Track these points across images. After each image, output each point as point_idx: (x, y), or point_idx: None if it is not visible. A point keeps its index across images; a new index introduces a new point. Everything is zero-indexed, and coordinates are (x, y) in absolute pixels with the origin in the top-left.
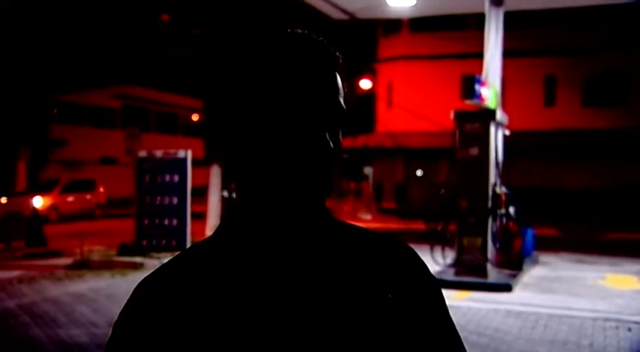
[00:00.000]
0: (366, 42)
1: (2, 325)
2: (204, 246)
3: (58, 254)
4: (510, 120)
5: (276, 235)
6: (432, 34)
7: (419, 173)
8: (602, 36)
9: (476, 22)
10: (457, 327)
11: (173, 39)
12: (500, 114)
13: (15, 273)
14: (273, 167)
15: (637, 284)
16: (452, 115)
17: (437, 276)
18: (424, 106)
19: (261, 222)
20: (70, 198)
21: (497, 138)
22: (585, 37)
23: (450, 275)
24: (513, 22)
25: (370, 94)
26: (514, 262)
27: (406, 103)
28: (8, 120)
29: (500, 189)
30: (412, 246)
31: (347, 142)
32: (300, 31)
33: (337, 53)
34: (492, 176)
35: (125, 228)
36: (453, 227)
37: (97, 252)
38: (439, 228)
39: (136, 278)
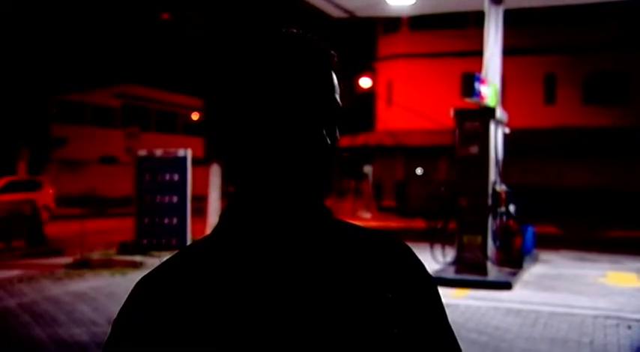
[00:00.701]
0: (366, 40)
1: (3, 324)
2: (202, 245)
3: (58, 253)
4: (510, 118)
5: (274, 233)
6: (432, 32)
7: (419, 171)
8: (602, 34)
9: (475, 20)
10: (456, 325)
11: (173, 38)
12: (500, 113)
13: (15, 272)
14: (271, 165)
15: (637, 282)
16: (452, 113)
17: (437, 274)
18: (424, 104)
19: (260, 221)
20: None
21: (497, 136)
22: (585, 35)
23: (450, 274)
24: (513, 20)
25: (370, 93)
26: (514, 260)
27: (406, 102)
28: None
29: (500, 187)
30: (412, 244)
31: (347, 141)
32: (295, 30)
33: (332, 51)
34: (492, 174)
35: (125, 226)
36: (453, 225)
37: (97, 251)
38: (439, 226)
39: (136, 276)
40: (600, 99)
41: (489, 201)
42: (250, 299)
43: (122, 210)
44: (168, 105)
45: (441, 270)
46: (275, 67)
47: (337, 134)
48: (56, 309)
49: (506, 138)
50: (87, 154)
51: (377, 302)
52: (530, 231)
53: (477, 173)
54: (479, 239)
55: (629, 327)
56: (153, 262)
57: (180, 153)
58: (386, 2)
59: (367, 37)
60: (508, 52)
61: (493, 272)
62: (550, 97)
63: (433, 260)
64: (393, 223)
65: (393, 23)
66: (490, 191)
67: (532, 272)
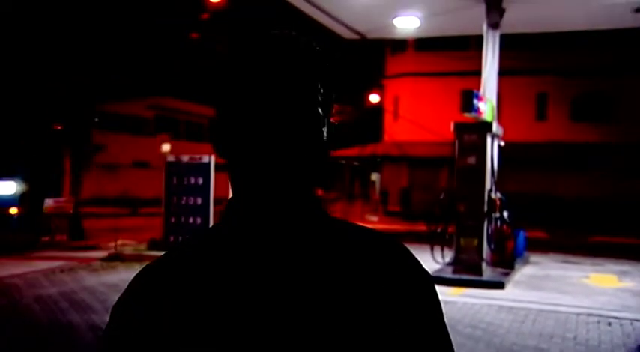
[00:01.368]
0: (375, 60)
1: (45, 309)
2: (200, 239)
3: (95, 247)
4: (505, 132)
5: (265, 230)
6: (435, 53)
7: (422, 180)
8: (590, 59)
9: (475, 43)
10: (453, 321)
11: (201, 55)
12: (496, 127)
13: (57, 263)
14: (260, 162)
15: (617, 283)
16: (452, 127)
17: (436, 274)
18: (427, 118)
19: (254, 216)
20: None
21: (493, 148)
22: (574, 59)
23: (448, 273)
24: (509, 44)
25: (378, 107)
26: (507, 262)
27: (411, 116)
28: (56, 127)
29: (495, 195)
30: (414, 245)
31: (356, 151)
32: (284, 31)
33: (317, 48)
34: (488, 183)
35: (154, 225)
36: (451, 229)
37: (129, 246)
38: (439, 229)
39: None
40: (587, 117)
41: (485, 208)
42: (244, 295)
43: (152, 209)
44: (196, 116)
45: (440, 270)
46: (260, 65)
47: (330, 130)
48: (92, 298)
49: (502, 150)
50: (122, 159)
51: (373, 301)
52: (522, 235)
53: (474, 181)
54: (475, 242)
55: (609, 324)
56: None
57: (205, 159)
58: (394, 25)
59: (376, 57)
60: (504, 72)
61: (487, 273)
62: (541, 114)
63: (433, 260)
64: (397, 226)
65: (400, 45)
66: (486, 198)
67: (523, 272)
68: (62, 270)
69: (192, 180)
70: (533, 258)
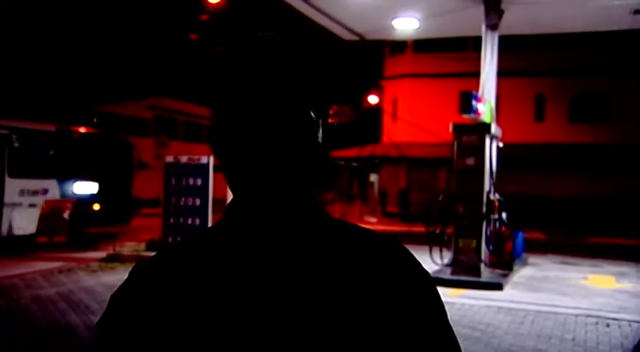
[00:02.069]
0: (374, 61)
1: (43, 310)
2: (200, 237)
3: (93, 248)
4: (504, 133)
5: (264, 229)
6: (434, 54)
7: (420, 181)
8: (587, 60)
9: (473, 45)
10: (451, 322)
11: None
12: (494, 128)
13: (56, 264)
14: (252, 165)
15: (616, 284)
16: (451, 128)
17: (435, 275)
18: (426, 120)
19: (248, 216)
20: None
21: (491, 149)
22: (572, 60)
23: (446, 274)
24: (507, 45)
25: (377, 108)
26: (505, 263)
27: (409, 117)
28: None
29: (494, 196)
30: (413, 247)
31: (355, 151)
32: (277, 33)
33: (312, 49)
34: (487, 184)
35: (153, 225)
36: (450, 230)
37: (127, 247)
38: (438, 230)
39: None
40: (584, 118)
41: (484, 209)
42: (242, 290)
43: (151, 210)
44: (195, 116)
45: (439, 271)
46: (251, 68)
47: (328, 131)
48: (90, 298)
49: (500, 151)
50: None
51: (373, 301)
52: (520, 236)
53: (472, 183)
54: (473, 243)
55: (608, 325)
56: None
57: (204, 159)
58: (393, 27)
59: (375, 58)
60: (502, 73)
61: (486, 274)
62: (540, 115)
63: (432, 261)
64: (396, 227)
65: (399, 46)
66: (484, 199)
67: (521, 274)
68: (60, 271)
69: (191, 181)
70: (532, 259)
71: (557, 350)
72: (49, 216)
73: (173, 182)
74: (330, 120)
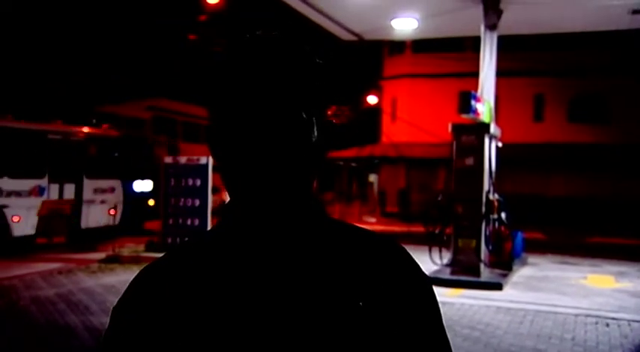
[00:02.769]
0: (373, 61)
1: (43, 311)
2: (199, 241)
3: (93, 249)
4: (503, 133)
5: (262, 231)
6: (433, 54)
7: (419, 181)
8: (586, 60)
9: (472, 45)
10: (451, 322)
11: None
12: (493, 128)
13: (55, 265)
14: (245, 165)
15: (615, 284)
16: (450, 128)
17: (434, 275)
18: (425, 120)
19: (245, 218)
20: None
21: (490, 149)
22: (571, 60)
23: (446, 274)
24: (506, 45)
25: (376, 108)
26: (505, 263)
27: (408, 117)
28: None
29: (493, 196)
30: (412, 247)
31: (354, 152)
32: (272, 33)
33: (307, 49)
34: (486, 184)
35: (152, 226)
36: (449, 230)
37: (127, 248)
38: (437, 230)
39: None
40: (583, 118)
41: (483, 209)
42: (243, 296)
43: None
44: (194, 117)
45: (438, 271)
46: (244, 69)
47: (326, 131)
48: (89, 299)
49: (499, 151)
50: None
51: (370, 302)
52: (520, 236)
53: (472, 182)
54: (473, 243)
55: (607, 325)
56: None
57: (203, 160)
58: (391, 27)
59: (374, 58)
60: (501, 73)
61: (485, 274)
62: (539, 115)
63: (431, 261)
64: (395, 227)
65: (397, 46)
66: (484, 199)
67: (521, 274)
68: (60, 272)
69: (190, 182)
70: (531, 259)
71: (556, 350)
72: (47, 217)
73: (172, 183)
74: (327, 120)
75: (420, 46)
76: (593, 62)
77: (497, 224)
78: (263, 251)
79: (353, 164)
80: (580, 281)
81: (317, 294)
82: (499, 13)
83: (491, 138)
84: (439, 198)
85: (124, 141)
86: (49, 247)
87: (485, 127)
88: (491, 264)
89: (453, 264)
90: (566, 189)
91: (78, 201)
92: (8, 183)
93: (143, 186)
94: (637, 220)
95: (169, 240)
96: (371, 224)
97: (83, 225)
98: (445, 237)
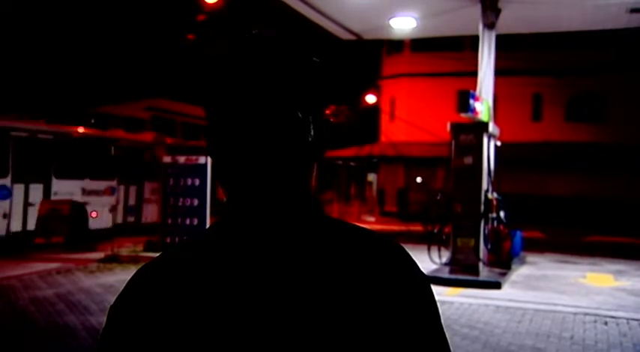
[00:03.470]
0: (372, 61)
1: (41, 311)
2: (197, 240)
3: (92, 249)
4: (501, 132)
5: (260, 231)
6: (431, 54)
7: (419, 180)
8: (583, 60)
9: (471, 44)
10: (450, 321)
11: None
12: (492, 127)
13: (54, 265)
14: (248, 161)
15: (614, 283)
16: (448, 127)
17: (433, 274)
18: (423, 119)
19: (243, 217)
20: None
21: (489, 148)
22: (569, 60)
23: (445, 273)
24: (505, 44)
25: (375, 108)
26: (503, 262)
27: (407, 116)
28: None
29: (492, 195)
30: (411, 246)
31: (353, 151)
32: (268, 32)
33: (304, 48)
34: (485, 183)
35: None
36: (448, 229)
37: (125, 248)
38: (436, 230)
39: None
40: (581, 117)
41: (482, 208)
42: (241, 295)
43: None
44: (192, 117)
45: (437, 270)
46: (239, 69)
47: (324, 130)
48: (88, 299)
49: (498, 150)
50: None
51: (369, 301)
52: (519, 235)
53: (470, 182)
54: (472, 242)
55: (606, 323)
56: None
57: (201, 160)
58: (390, 26)
59: (373, 57)
60: (500, 72)
61: (484, 273)
62: (537, 114)
63: (430, 261)
64: (394, 226)
65: (396, 45)
66: (482, 198)
67: (519, 272)
68: (59, 272)
69: (189, 182)
70: (530, 257)
71: (555, 349)
72: (47, 217)
73: (171, 182)
74: (325, 120)
75: (419, 45)
76: (592, 61)
77: (496, 223)
78: (261, 249)
79: (352, 163)
80: (579, 279)
81: (315, 293)
82: (497, 12)
83: (489, 137)
84: (438, 198)
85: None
86: (47, 247)
87: (483, 126)
88: (490, 263)
89: (451, 263)
90: (565, 188)
91: (139, 200)
92: (89, 184)
93: None
94: (635, 219)
95: (168, 240)
96: (370, 223)
97: (143, 220)
98: (444, 236)
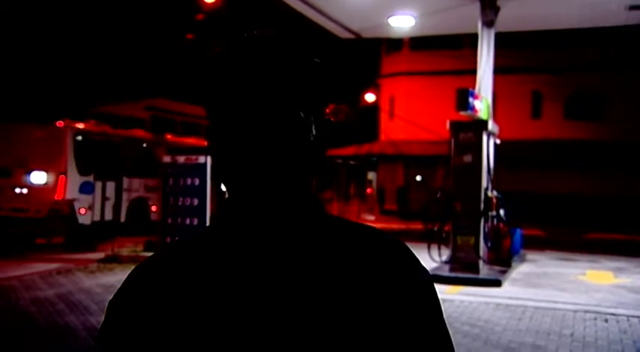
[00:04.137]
0: (371, 59)
1: (42, 311)
2: (197, 237)
3: (92, 249)
4: (500, 130)
5: (260, 228)
6: (430, 52)
7: (418, 178)
8: (583, 57)
9: (470, 42)
10: (450, 319)
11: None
12: (491, 125)
13: (54, 266)
14: (244, 160)
15: (614, 280)
16: (448, 125)
17: (433, 272)
18: (423, 117)
19: (243, 215)
20: None
21: (488, 146)
22: (568, 57)
23: (445, 272)
24: (504, 42)
25: (374, 106)
26: (503, 259)
27: (406, 114)
28: None
29: (492, 193)
30: (411, 244)
31: (353, 150)
32: (268, 31)
33: (303, 47)
34: (484, 181)
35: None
36: (448, 227)
37: (126, 248)
38: (436, 228)
39: None
40: (580, 115)
41: (481, 206)
42: (241, 291)
43: None
44: (192, 116)
45: (437, 268)
46: (239, 68)
47: (323, 129)
48: (88, 299)
49: (497, 148)
50: None
51: (371, 298)
52: (519, 233)
53: (470, 180)
54: (472, 240)
55: (606, 321)
56: None
57: (201, 159)
58: (389, 24)
59: (372, 56)
60: (499, 70)
61: (484, 271)
62: (536, 112)
63: (430, 259)
64: (394, 225)
65: (395, 44)
66: (482, 196)
67: (519, 270)
68: (59, 272)
69: (189, 181)
70: (530, 255)
71: (555, 346)
72: (47, 217)
73: (171, 182)
74: (325, 119)
75: (418, 43)
76: (590, 59)
77: (495, 221)
78: (261, 248)
79: (351, 162)
80: (579, 277)
81: (315, 292)
82: (496, 10)
83: (489, 135)
84: (438, 196)
85: None
86: (47, 247)
87: (483, 124)
88: (490, 261)
89: (451, 262)
90: (564, 186)
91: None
92: (150, 182)
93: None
94: (635, 216)
95: (168, 240)
96: (370, 222)
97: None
98: (444, 235)
